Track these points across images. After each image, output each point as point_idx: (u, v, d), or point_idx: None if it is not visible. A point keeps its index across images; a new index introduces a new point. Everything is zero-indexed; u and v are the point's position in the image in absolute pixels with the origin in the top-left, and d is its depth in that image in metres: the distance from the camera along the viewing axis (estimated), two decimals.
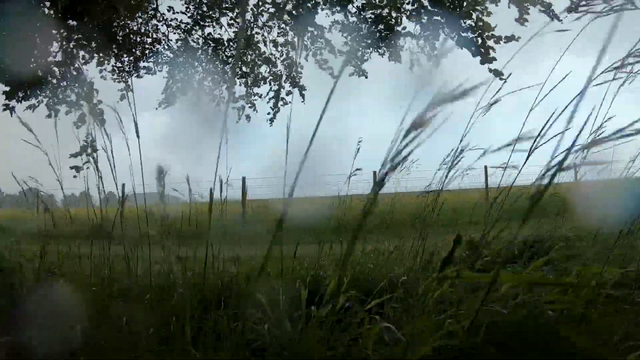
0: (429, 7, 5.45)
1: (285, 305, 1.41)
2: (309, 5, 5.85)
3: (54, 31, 5.35)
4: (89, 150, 5.91)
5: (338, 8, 5.89)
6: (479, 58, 5.24)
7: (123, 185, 2.14)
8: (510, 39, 5.12)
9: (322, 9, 5.97)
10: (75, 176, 5.39)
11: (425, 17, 5.51)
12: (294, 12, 6.05)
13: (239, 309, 1.45)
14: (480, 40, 5.20)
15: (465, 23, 5.23)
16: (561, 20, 4.70)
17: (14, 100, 5.63)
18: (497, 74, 5.13)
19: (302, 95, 6.64)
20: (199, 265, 1.82)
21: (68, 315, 1.33)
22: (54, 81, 5.87)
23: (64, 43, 5.63)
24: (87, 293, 1.65)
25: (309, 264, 2.28)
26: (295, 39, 6.46)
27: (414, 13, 5.59)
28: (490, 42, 5.21)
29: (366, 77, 6.19)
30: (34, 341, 1.23)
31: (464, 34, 5.24)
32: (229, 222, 2.30)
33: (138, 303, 1.53)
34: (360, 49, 6.03)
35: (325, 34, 6.12)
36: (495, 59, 5.20)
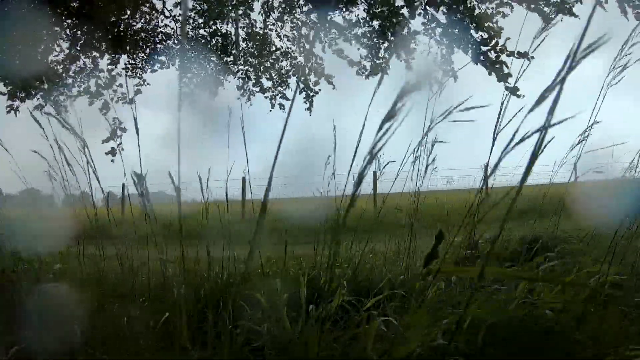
0: (441, 19, 5.40)
1: (284, 304, 1.41)
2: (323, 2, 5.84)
3: (58, 30, 5.40)
4: (119, 133, 6.11)
5: (343, 8, 5.89)
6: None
7: (123, 185, 2.15)
8: (523, 55, 5.03)
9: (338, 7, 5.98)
10: (112, 160, 5.66)
11: (439, 29, 5.46)
12: (305, 7, 6.06)
13: (238, 309, 1.45)
14: (494, 55, 5.12)
15: (477, 33, 5.17)
16: (574, 13, 4.66)
17: (17, 101, 5.69)
18: (514, 91, 5.06)
19: (331, 84, 6.69)
20: (198, 264, 1.82)
21: (68, 314, 1.34)
22: (67, 78, 5.95)
23: (72, 42, 5.68)
24: (86, 293, 1.66)
25: (307, 264, 2.28)
26: (309, 32, 6.47)
27: (427, 25, 5.55)
28: (503, 57, 5.13)
29: (382, 75, 6.12)
30: (33, 341, 1.24)
31: (474, 47, 5.18)
32: (228, 222, 2.30)
33: (137, 302, 1.53)
34: (375, 45, 6.01)
35: (338, 24, 6.12)
36: (511, 75, 5.09)
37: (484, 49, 5.19)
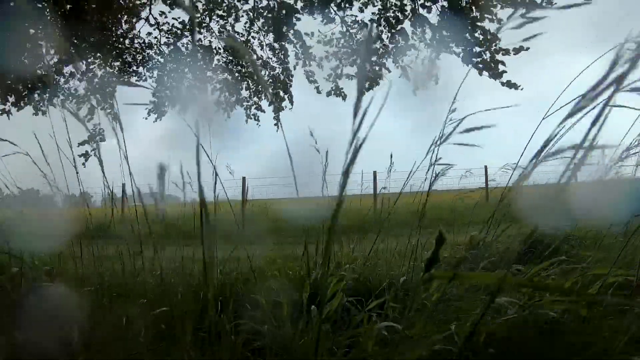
0: (433, 21, 5.41)
1: (285, 305, 1.41)
2: (292, 9, 5.90)
3: (47, 35, 5.42)
4: (97, 139, 6.12)
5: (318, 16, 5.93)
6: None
7: (123, 185, 2.14)
8: (518, 50, 5.06)
9: (308, 15, 6.03)
10: (83, 164, 5.79)
11: (430, 33, 5.47)
12: (272, 15, 6.11)
13: (239, 309, 1.44)
14: (489, 55, 5.16)
15: (473, 36, 5.18)
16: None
17: (8, 104, 5.73)
18: (511, 85, 5.11)
19: (291, 102, 6.83)
20: (198, 265, 1.81)
21: (67, 315, 1.33)
22: (60, 80, 5.99)
23: (63, 46, 5.70)
24: (86, 293, 1.65)
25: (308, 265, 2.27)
26: (289, 45, 6.55)
27: (417, 28, 5.56)
28: (499, 56, 5.16)
29: (344, 99, 6.38)
30: (33, 341, 1.23)
31: (469, 49, 5.19)
32: (228, 222, 2.29)
33: (137, 303, 1.52)
34: (342, 62, 6.11)
35: (306, 42, 6.21)
36: (506, 72, 5.13)
37: (478, 50, 5.22)
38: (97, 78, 6.15)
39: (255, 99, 7.04)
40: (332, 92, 6.40)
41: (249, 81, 6.91)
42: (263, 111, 7.10)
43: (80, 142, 5.86)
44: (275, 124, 6.82)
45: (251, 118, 7.10)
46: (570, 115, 0.66)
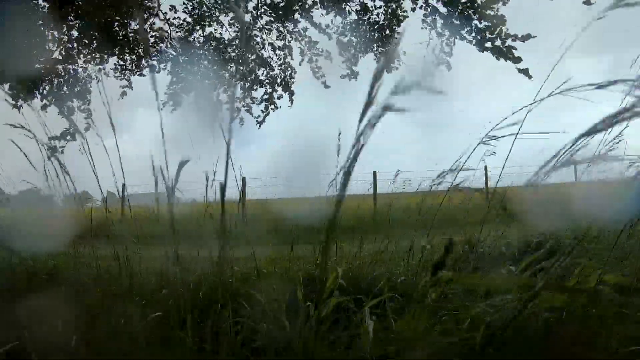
0: (442, 10, 5.44)
1: (283, 304, 1.41)
2: (305, 3, 5.90)
3: (53, 31, 5.45)
4: (69, 138, 6.09)
5: (334, 8, 5.93)
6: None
7: (123, 185, 2.14)
8: (526, 37, 5.10)
9: (318, 9, 6.03)
10: (49, 157, 5.80)
11: (441, 21, 5.51)
12: (283, 8, 6.08)
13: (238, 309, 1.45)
14: (500, 42, 5.18)
15: (481, 23, 5.22)
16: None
17: (20, 100, 5.76)
18: (526, 72, 5.13)
19: (291, 100, 6.77)
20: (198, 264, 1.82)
21: (67, 315, 1.33)
22: (59, 79, 6.02)
23: (64, 42, 5.73)
24: (86, 293, 1.65)
25: (307, 265, 2.28)
26: (292, 43, 6.53)
27: (427, 17, 5.59)
28: (509, 42, 5.19)
29: (356, 79, 6.33)
30: (32, 341, 1.23)
31: (478, 36, 5.23)
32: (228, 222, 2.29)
33: (137, 303, 1.53)
34: (356, 48, 6.09)
35: (318, 35, 6.20)
36: (521, 59, 5.15)
37: (489, 36, 5.24)
38: (82, 81, 6.18)
39: (248, 100, 6.92)
40: (348, 76, 6.32)
41: (246, 81, 6.84)
42: (252, 114, 6.97)
43: (51, 136, 5.90)
44: (259, 122, 6.72)
45: (235, 119, 6.98)
46: (586, 134, 0.69)
